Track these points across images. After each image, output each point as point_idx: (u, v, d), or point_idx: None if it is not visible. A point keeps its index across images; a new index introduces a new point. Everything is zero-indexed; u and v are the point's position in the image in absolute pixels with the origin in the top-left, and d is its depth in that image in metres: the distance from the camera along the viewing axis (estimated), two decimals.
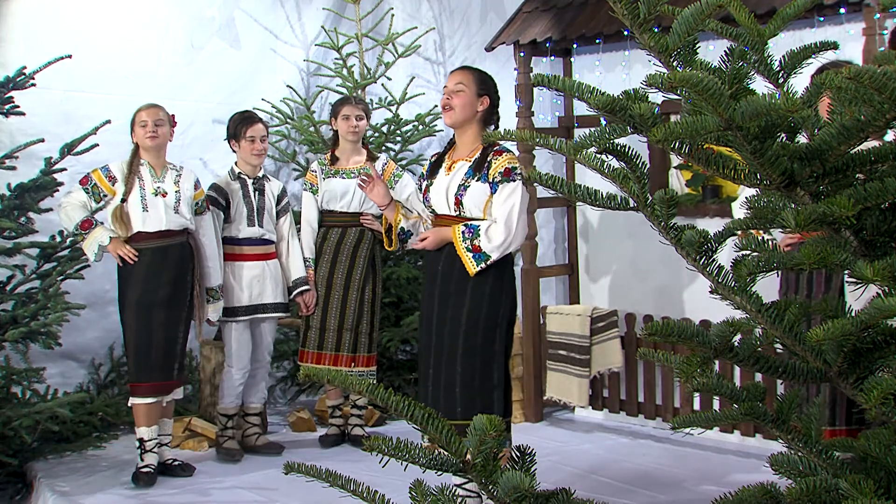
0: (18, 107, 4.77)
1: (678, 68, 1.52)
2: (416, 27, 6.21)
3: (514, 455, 1.54)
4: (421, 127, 6.08)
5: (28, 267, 4.88)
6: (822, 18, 4.34)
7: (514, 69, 5.49)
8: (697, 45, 1.54)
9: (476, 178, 3.71)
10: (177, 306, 4.54)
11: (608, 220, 5.47)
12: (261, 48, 6.32)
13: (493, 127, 3.88)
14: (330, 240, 5.02)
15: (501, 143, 3.74)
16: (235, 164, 4.98)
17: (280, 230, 5.04)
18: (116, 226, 4.47)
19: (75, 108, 5.41)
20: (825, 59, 2.29)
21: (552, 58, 5.53)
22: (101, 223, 4.49)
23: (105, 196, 4.50)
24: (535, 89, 5.50)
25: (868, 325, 1.35)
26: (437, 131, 6.23)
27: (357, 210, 5.02)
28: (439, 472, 1.46)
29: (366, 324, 5.04)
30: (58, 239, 4.86)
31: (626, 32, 4.70)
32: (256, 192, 4.94)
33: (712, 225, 4.76)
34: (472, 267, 3.69)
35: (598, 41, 5.13)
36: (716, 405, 4.74)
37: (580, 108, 5.45)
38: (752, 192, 1.61)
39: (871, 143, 1.46)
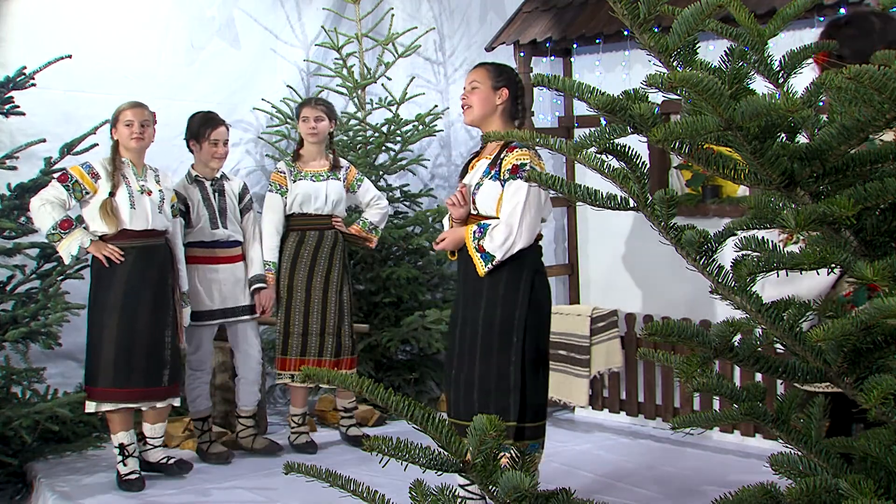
0: (18, 107, 4.78)
1: (678, 68, 1.51)
2: (416, 27, 6.22)
3: (514, 455, 1.54)
4: (421, 127, 6.07)
5: (28, 267, 4.88)
6: (822, 18, 4.34)
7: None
8: (697, 45, 1.54)
9: (490, 177, 3.64)
10: (162, 309, 4.46)
11: (608, 220, 5.47)
12: (261, 48, 6.32)
13: (520, 120, 3.77)
14: (308, 243, 4.95)
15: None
16: (192, 166, 4.88)
17: (244, 228, 4.96)
18: (104, 220, 4.33)
19: (75, 108, 5.41)
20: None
21: (552, 58, 5.53)
22: (81, 224, 4.37)
23: (86, 193, 4.36)
24: (535, 89, 5.49)
25: (868, 325, 1.35)
26: (437, 131, 6.23)
27: (329, 212, 4.98)
28: (439, 472, 1.46)
29: (347, 326, 5.01)
30: None
31: (626, 32, 4.70)
32: (216, 194, 4.86)
33: (712, 225, 4.76)
34: (481, 267, 3.62)
35: (598, 41, 5.13)
36: (716, 405, 4.74)
37: (580, 108, 5.45)
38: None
39: (890, 136, 1.46)
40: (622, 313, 5.39)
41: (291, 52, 6.45)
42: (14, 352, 4.58)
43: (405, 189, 6.24)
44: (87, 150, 4.83)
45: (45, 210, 4.30)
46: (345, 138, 6.05)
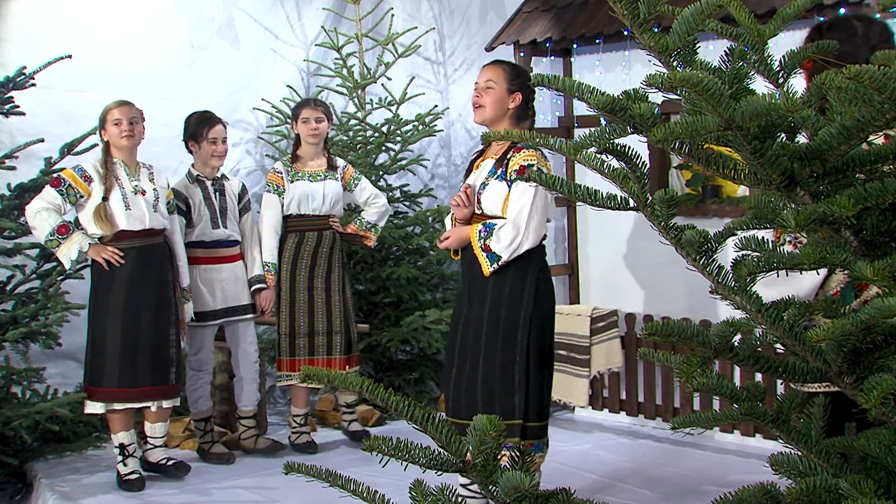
0: (18, 107, 4.77)
1: (678, 68, 1.52)
2: (416, 27, 6.21)
3: (513, 455, 1.54)
4: (421, 127, 6.07)
5: (28, 267, 4.88)
6: (822, 18, 4.33)
7: None
8: (697, 45, 1.54)
9: (496, 177, 3.64)
10: (164, 308, 4.46)
11: (608, 221, 5.47)
12: (261, 48, 6.32)
13: (528, 123, 3.76)
14: (307, 244, 4.95)
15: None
16: (192, 166, 4.88)
17: (242, 228, 4.96)
18: (99, 225, 4.32)
19: (75, 108, 5.40)
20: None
21: (552, 58, 5.53)
22: (79, 228, 4.36)
23: (81, 196, 4.34)
24: (535, 89, 5.49)
25: (868, 325, 1.35)
26: (437, 131, 6.23)
27: (328, 212, 4.98)
28: (439, 472, 1.46)
29: (352, 324, 5.05)
30: None
31: (626, 32, 4.70)
32: (217, 194, 4.86)
33: (712, 225, 4.76)
34: (487, 267, 3.62)
35: (598, 41, 5.13)
36: (716, 405, 4.74)
37: (580, 108, 5.45)
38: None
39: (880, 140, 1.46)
40: (622, 313, 5.39)
41: (291, 52, 6.45)
42: (14, 352, 4.57)
43: (405, 189, 6.24)
44: (87, 150, 4.83)
45: (41, 217, 4.28)
46: (345, 138, 6.05)
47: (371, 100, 6.21)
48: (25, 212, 4.36)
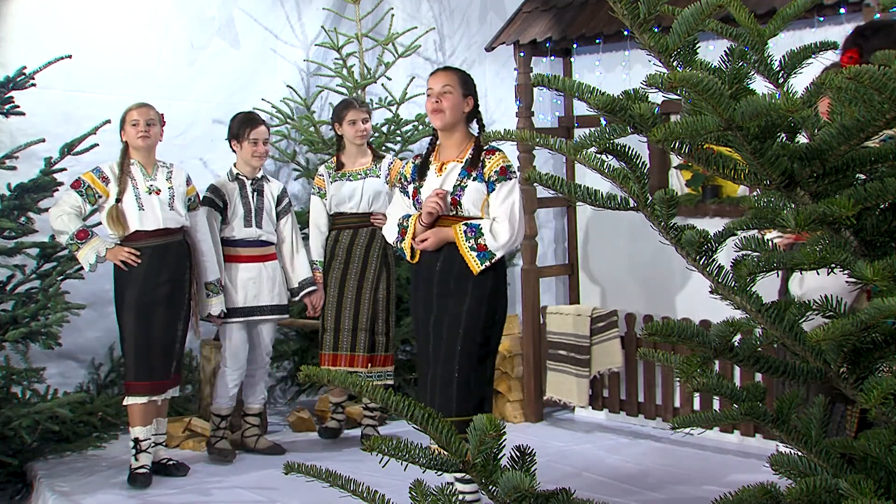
0: (18, 107, 4.77)
1: (678, 68, 1.52)
2: (416, 27, 6.21)
3: (513, 455, 1.54)
4: (421, 127, 6.08)
5: (28, 267, 4.88)
6: (822, 18, 4.34)
7: (514, 69, 5.49)
8: (697, 45, 1.54)
9: (472, 178, 3.77)
10: (176, 305, 4.53)
11: (608, 220, 5.47)
12: (261, 48, 6.32)
13: (476, 126, 3.93)
14: (342, 241, 5.00)
15: (492, 143, 3.80)
16: (234, 164, 4.97)
17: (281, 232, 5.02)
18: (113, 226, 4.41)
19: (75, 108, 5.41)
20: (827, 59, 2.30)
21: (552, 58, 5.53)
22: (97, 233, 4.44)
23: (100, 197, 4.45)
24: (535, 89, 5.50)
25: (868, 325, 1.35)
26: None
27: (366, 210, 5.01)
28: (439, 472, 1.46)
29: (381, 323, 5.00)
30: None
31: (626, 32, 4.70)
32: (255, 193, 4.92)
33: (712, 225, 4.76)
34: (477, 265, 3.73)
35: (598, 41, 5.13)
36: (716, 405, 4.74)
37: (580, 108, 5.45)
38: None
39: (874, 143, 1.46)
40: (622, 313, 5.39)
41: (291, 52, 6.46)
42: (14, 352, 4.58)
43: None
44: (87, 150, 4.84)
45: (61, 221, 4.40)
46: None
47: (371, 100, 6.21)
48: (49, 214, 4.48)
